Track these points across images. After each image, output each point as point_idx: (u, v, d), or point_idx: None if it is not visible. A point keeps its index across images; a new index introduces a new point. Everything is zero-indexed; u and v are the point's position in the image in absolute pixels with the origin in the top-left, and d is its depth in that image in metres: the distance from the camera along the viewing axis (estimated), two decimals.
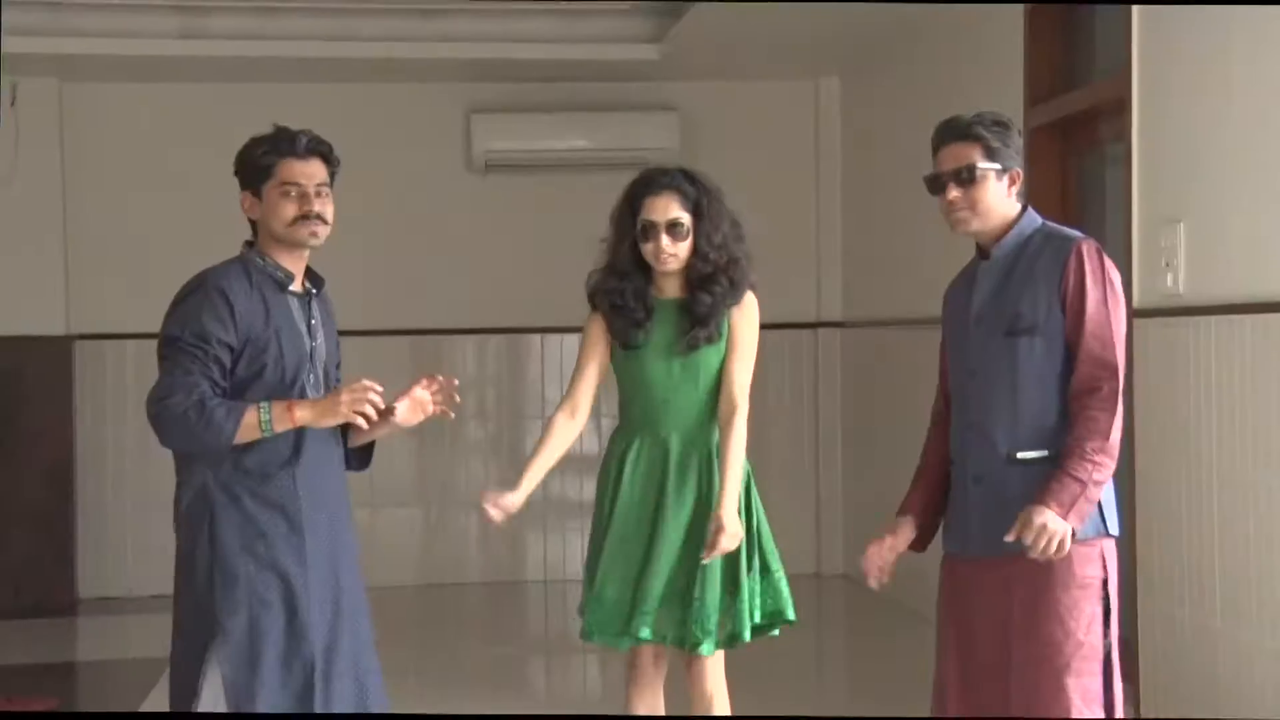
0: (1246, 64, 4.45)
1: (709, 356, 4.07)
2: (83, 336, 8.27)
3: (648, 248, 4.05)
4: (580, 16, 8.00)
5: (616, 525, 4.09)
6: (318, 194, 3.59)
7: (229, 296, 3.51)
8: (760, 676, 5.93)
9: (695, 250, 4.05)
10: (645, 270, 4.10)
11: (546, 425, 4.22)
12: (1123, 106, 5.14)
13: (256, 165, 3.60)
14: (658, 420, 4.08)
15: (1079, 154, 5.88)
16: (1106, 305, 3.45)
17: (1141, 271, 4.97)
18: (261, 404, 3.47)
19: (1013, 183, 3.56)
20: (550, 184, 8.49)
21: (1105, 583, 3.45)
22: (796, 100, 8.59)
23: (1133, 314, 4.83)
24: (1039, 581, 3.43)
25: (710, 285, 4.05)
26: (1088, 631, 3.41)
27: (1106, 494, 3.49)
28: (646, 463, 4.08)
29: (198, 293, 3.53)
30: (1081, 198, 5.88)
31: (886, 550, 3.74)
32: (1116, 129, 5.34)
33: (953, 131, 3.57)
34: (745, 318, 4.10)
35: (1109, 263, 3.50)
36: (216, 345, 3.48)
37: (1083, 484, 3.37)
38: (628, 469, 4.09)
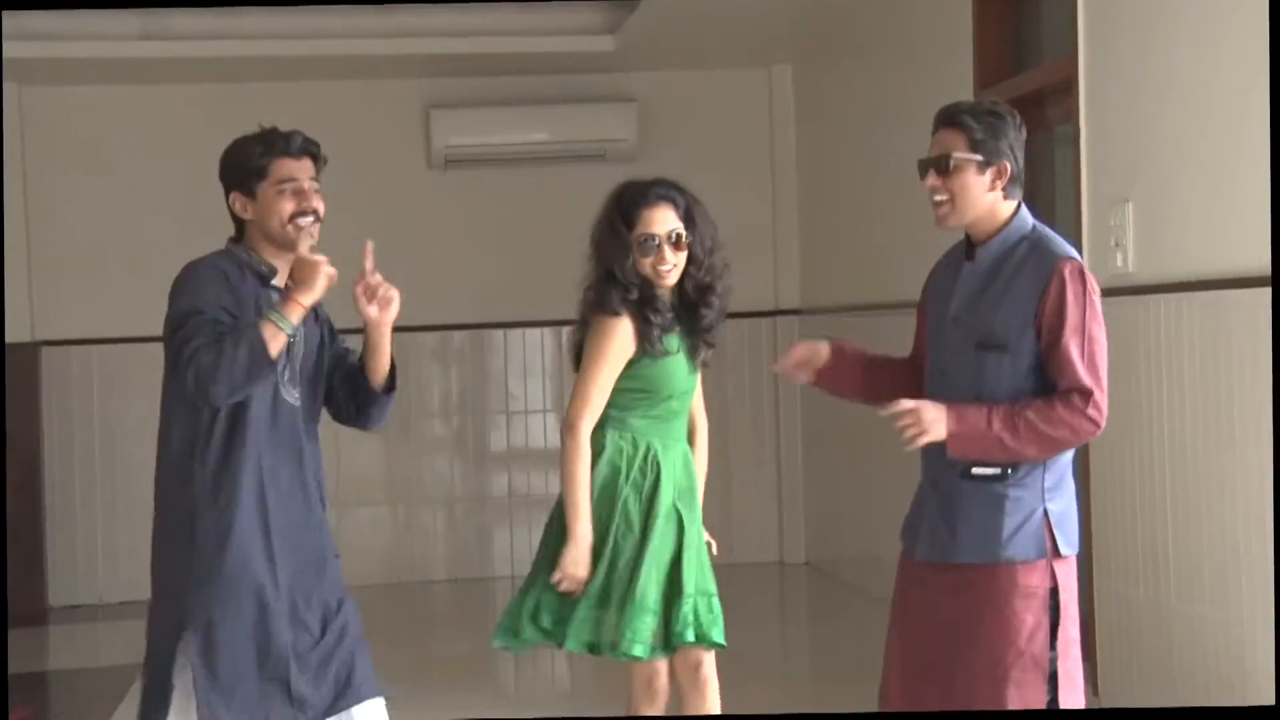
0: (1191, 43, 4.47)
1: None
2: (49, 343, 8.24)
3: (647, 262, 3.97)
4: (536, 9, 7.99)
5: (663, 536, 4.02)
6: (312, 190, 3.61)
7: (228, 277, 3.55)
8: (723, 664, 5.95)
9: (690, 259, 4.00)
10: (650, 282, 4.02)
11: (578, 451, 4.00)
12: (1070, 87, 5.16)
13: (250, 165, 3.59)
14: (671, 427, 4.07)
15: (1028, 135, 5.88)
16: (1084, 330, 3.36)
17: (1091, 251, 4.98)
18: (269, 313, 3.47)
19: (999, 177, 3.43)
20: (511, 178, 8.49)
21: (1053, 593, 3.38)
22: (750, 88, 8.60)
23: None
24: (982, 590, 3.40)
25: (709, 296, 4.03)
26: (1029, 641, 3.35)
27: (1062, 514, 3.42)
28: (675, 470, 4.05)
29: (199, 272, 3.56)
30: (1031, 179, 5.87)
31: (806, 350, 3.67)
32: (1065, 110, 5.36)
33: (943, 117, 3.48)
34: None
35: (1092, 283, 3.41)
36: (226, 315, 3.50)
37: (989, 428, 3.31)
38: (665, 476, 4.02)
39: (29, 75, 7.99)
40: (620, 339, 3.98)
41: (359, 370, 3.78)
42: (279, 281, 3.64)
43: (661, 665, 4.08)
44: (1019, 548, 3.37)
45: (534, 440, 8.62)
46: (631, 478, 4.02)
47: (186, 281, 3.56)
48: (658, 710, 4.13)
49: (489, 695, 6.26)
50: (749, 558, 8.36)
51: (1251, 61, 4.18)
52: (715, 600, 4.06)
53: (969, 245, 3.52)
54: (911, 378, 3.63)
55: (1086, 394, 3.33)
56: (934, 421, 3.34)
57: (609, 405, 4.02)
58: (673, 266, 3.97)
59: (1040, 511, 3.40)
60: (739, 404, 8.61)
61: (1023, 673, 3.35)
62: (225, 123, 8.67)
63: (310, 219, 3.59)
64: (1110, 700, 4.88)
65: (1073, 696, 3.42)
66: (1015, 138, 3.49)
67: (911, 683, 3.52)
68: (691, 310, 4.04)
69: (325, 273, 3.50)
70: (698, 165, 8.22)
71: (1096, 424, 3.35)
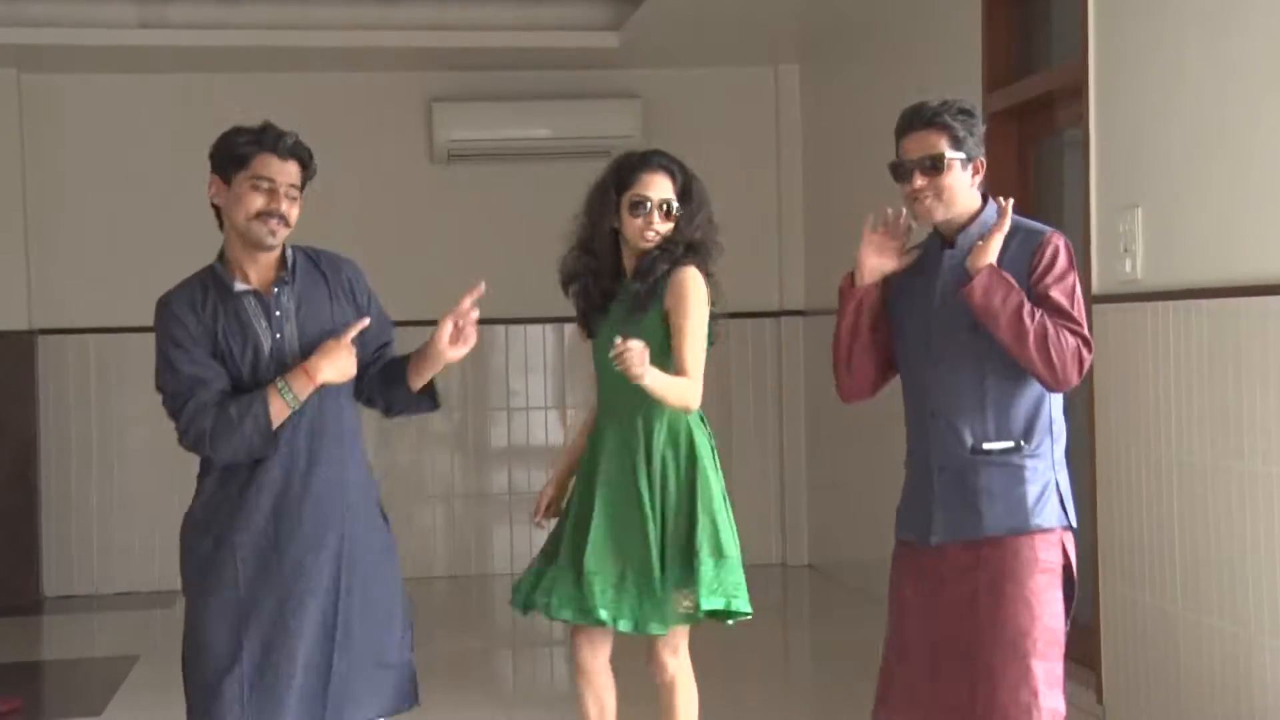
0: (1202, 47, 4.46)
1: (653, 330, 3.99)
2: (45, 331, 8.21)
3: (636, 223, 4.07)
4: (541, 4, 7.98)
5: (582, 506, 4.10)
6: (287, 194, 3.59)
7: (180, 318, 3.57)
8: (725, 666, 5.95)
9: (675, 230, 4.10)
10: (617, 252, 4.14)
11: (579, 425, 4.27)
12: (1079, 91, 5.15)
13: (233, 153, 3.58)
14: (619, 403, 4.08)
15: (1036, 140, 5.88)
16: (1074, 294, 3.46)
17: (1100, 257, 4.98)
18: (279, 385, 3.52)
19: (976, 172, 3.56)
20: (513, 173, 8.47)
21: (1066, 569, 3.48)
22: (757, 87, 8.59)
23: (1091, 300, 4.86)
24: (1004, 567, 3.44)
25: (661, 252, 4.06)
26: (1052, 616, 3.43)
27: (1068, 488, 3.52)
28: (615, 446, 4.08)
29: (161, 319, 3.60)
30: (1039, 184, 5.90)
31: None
32: (1073, 114, 5.35)
33: (920, 118, 3.54)
34: (678, 290, 4.00)
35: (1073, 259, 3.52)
36: (197, 358, 3.54)
37: (1013, 291, 3.38)
38: (601, 453, 4.11)
39: (28, 62, 7.98)
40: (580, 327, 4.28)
41: (401, 367, 3.77)
42: (247, 284, 3.62)
43: (578, 638, 4.15)
44: (1044, 515, 3.46)
45: (535, 437, 8.60)
46: (587, 454, 4.18)
47: (156, 328, 3.62)
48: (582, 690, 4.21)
49: (488, 693, 6.25)
50: (751, 560, 8.28)
51: (1263, 65, 4.17)
52: (604, 579, 4.00)
53: (943, 238, 3.60)
54: (886, 357, 3.71)
55: (1089, 344, 3.45)
56: (984, 258, 3.41)
57: None
58: (656, 232, 4.08)
59: (1054, 481, 3.51)
60: (742, 405, 8.60)
61: (1048, 646, 3.42)
62: (224, 113, 8.67)
63: (276, 221, 3.57)
64: (1115, 708, 4.87)
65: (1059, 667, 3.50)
66: (981, 133, 3.59)
67: (927, 670, 3.53)
68: (642, 259, 4.09)
69: (347, 369, 3.56)
70: (702, 164, 8.10)
71: (1081, 373, 3.44)
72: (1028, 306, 3.40)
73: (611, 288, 4.15)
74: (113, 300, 8.18)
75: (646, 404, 4.00)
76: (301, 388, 3.52)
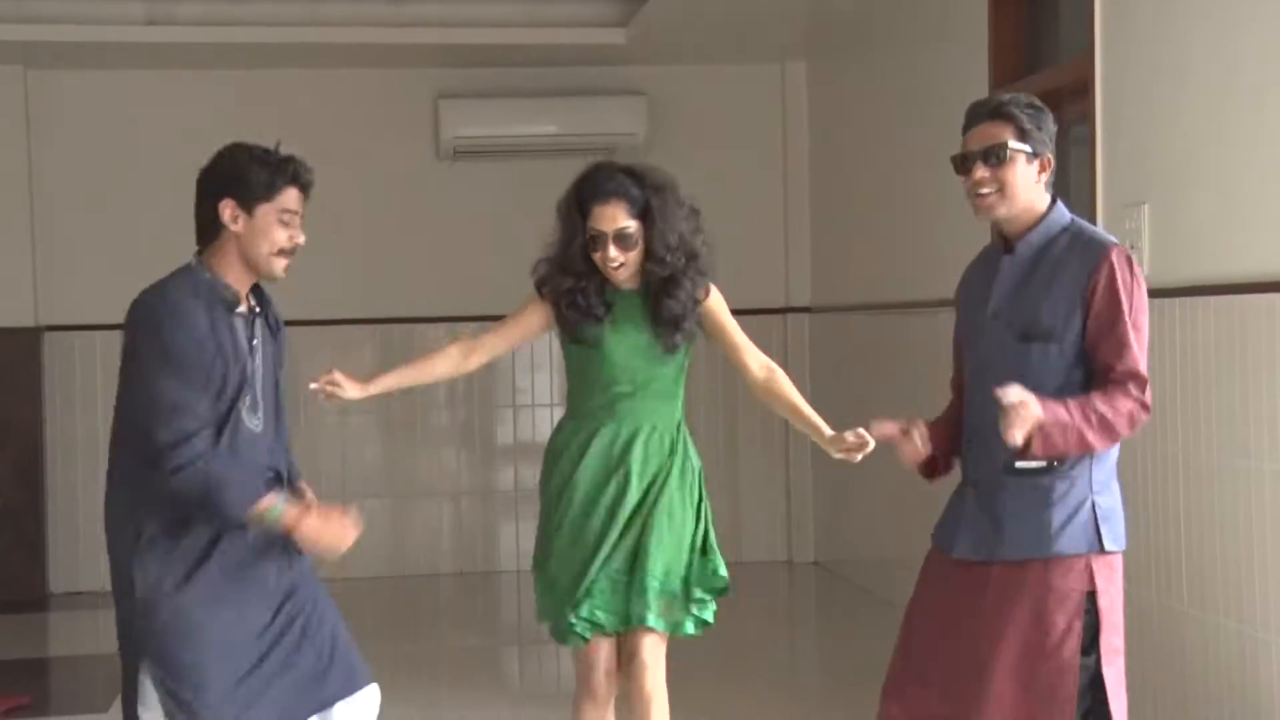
0: (1208, 44, 4.46)
1: (678, 354, 4.05)
2: (51, 328, 8.22)
3: (596, 256, 3.93)
4: (548, 1, 7.98)
5: (577, 515, 4.00)
6: (301, 226, 3.50)
7: (198, 321, 3.38)
8: (729, 663, 5.95)
9: (650, 254, 3.94)
10: (596, 267, 3.99)
11: (440, 351, 4.18)
12: (1086, 88, 5.15)
13: (258, 181, 3.43)
14: (621, 412, 4.00)
15: None
16: (1138, 321, 3.33)
17: None
18: (271, 514, 3.41)
19: (1043, 169, 3.42)
20: (519, 170, 8.46)
21: (1091, 596, 3.36)
22: (763, 84, 8.59)
23: None
24: (1017, 587, 3.38)
25: (673, 288, 3.96)
26: (1060, 644, 3.33)
27: (1110, 509, 3.40)
28: (610, 453, 3.99)
29: (170, 312, 3.38)
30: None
31: (915, 437, 3.52)
32: (1080, 111, 5.34)
33: (985, 110, 3.45)
34: (717, 307, 4.08)
35: (1138, 271, 3.39)
36: (205, 368, 3.38)
37: (1071, 419, 3.25)
38: (591, 460, 3.99)
39: (35, 59, 7.99)
40: (531, 313, 4.06)
41: None
42: (242, 307, 3.51)
43: (590, 653, 4.00)
44: (1068, 541, 3.35)
45: (540, 434, 8.57)
46: (564, 461, 4.03)
47: (157, 322, 3.38)
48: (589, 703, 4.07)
49: (493, 690, 6.25)
50: (758, 557, 8.37)
51: (1270, 62, 4.17)
52: (652, 580, 3.93)
53: (1005, 241, 3.50)
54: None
55: (1142, 381, 3.32)
56: (1032, 414, 3.24)
57: (570, 389, 4.10)
58: (620, 264, 3.92)
59: (1089, 504, 3.38)
60: (748, 403, 8.55)
61: (1055, 674, 3.32)
62: (232, 109, 8.76)
63: (291, 256, 3.49)
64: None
65: (1119, 705, 3.40)
66: (1051, 131, 3.48)
67: (934, 678, 3.49)
68: (656, 300, 3.98)
69: (337, 548, 3.46)
70: (708, 161, 8.24)
71: (1148, 411, 3.33)
72: (1079, 416, 3.26)
73: (608, 300, 3.99)
74: (119, 296, 8.00)
75: (652, 415, 4.02)
76: (281, 527, 3.42)
